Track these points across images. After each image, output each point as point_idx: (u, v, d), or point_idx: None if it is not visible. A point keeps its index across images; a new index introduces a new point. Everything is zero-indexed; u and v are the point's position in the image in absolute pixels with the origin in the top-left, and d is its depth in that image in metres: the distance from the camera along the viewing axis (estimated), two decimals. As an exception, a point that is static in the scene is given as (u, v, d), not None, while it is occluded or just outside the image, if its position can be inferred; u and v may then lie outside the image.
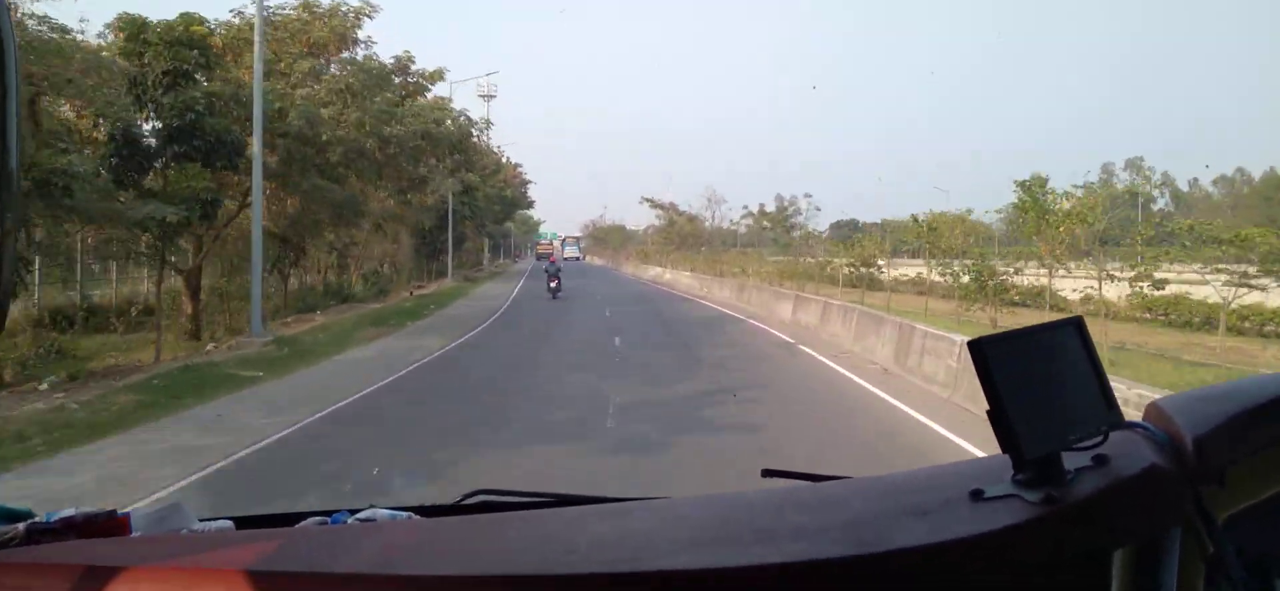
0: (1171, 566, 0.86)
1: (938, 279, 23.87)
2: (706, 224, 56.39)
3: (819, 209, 45.61)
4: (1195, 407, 0.95)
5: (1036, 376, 0.85)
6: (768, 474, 1.18)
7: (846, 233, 53.90)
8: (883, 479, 0.98)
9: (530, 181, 73.34)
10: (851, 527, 0.80)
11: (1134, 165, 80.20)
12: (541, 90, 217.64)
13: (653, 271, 51.75)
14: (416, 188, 24.28)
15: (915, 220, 23.43)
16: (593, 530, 0.90)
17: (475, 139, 23.65)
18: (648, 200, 58.84)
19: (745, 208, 57.13)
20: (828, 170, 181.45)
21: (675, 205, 57.35)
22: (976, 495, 0.83)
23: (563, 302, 26.79)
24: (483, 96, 68.22)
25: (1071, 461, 0.85)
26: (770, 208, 48.60)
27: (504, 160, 64.64)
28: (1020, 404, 0.81)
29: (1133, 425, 0.93)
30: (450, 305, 27.95)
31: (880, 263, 28.76)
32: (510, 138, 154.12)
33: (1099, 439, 0.87)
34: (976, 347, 0.82)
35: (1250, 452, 0.94)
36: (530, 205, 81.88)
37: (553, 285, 27.70)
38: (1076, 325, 0.91)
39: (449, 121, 21.21)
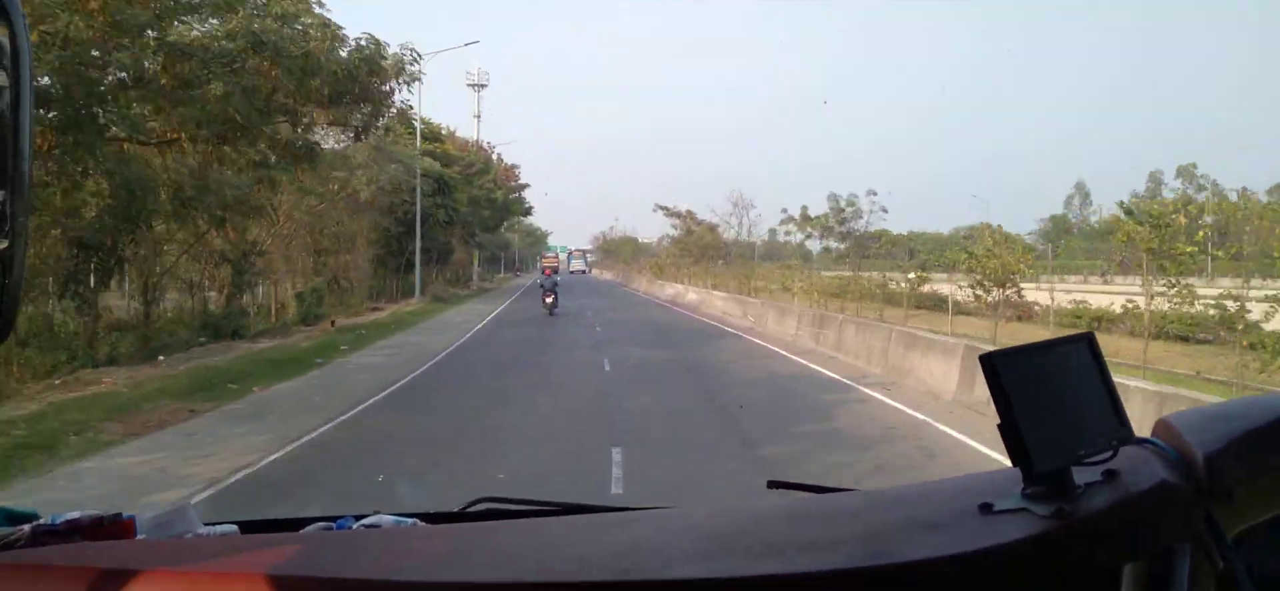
0: (1182, 582, 0.84)
1: (1139, 304, 14.25)
2: (729, 233, 46.66)
3: (885, 211, 35.24)
4: (1206, 425, 0.93)
5: (1048, 391, 0.83)
6: (773, 485, 1.17)
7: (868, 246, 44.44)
8: (891, 491, 0.97)
9: (526, 184, 63.79)
10: (861, 539, 0.79)
11: (1186, 172, 70.24)
12: (548, 99, 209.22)
13: (670, 289, 42.34)
14: (301, 159, 14.66)
15: (1126, 210, 13.79)
16: (599, 539, 0.90)
17: (395, 87, 14.21)
18: (662, 208, 49.28)
19: (784, 211, 47.00)
20: (841, 179, 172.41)
21: (692, 213, 47.68)
22: (986, 508, 0.82)
23: (545, 337, 19.98)
24: (472, 85, 59.37)
25: (1082, 476, 0.84)
26: (814, 210, 38.49)
27: (495, 159, 55.53)
28: (1031, 418, 0.79)
29: (1143, 441, 0.92)
30: (375, 343, 18.64)
31: (1020, 283, 19.30)
32: (506, 137, 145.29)
33: (1109, 454, 0.85)
34: (987, 362, 0.80)
35: (1261, 471, 0.92)
36: (527, 210, 71.69)
37: (549, 301, 27.19)
38: (1088, 340, 0.90)
39: (317, 31, 11.57)
